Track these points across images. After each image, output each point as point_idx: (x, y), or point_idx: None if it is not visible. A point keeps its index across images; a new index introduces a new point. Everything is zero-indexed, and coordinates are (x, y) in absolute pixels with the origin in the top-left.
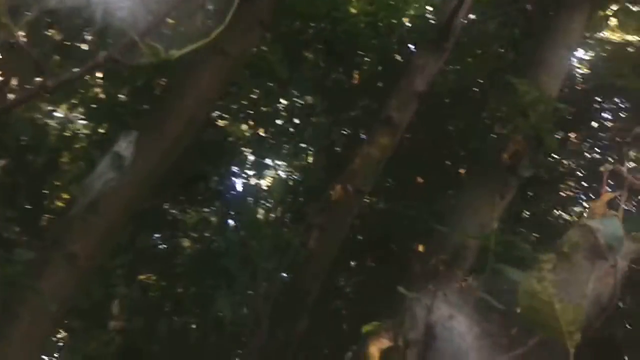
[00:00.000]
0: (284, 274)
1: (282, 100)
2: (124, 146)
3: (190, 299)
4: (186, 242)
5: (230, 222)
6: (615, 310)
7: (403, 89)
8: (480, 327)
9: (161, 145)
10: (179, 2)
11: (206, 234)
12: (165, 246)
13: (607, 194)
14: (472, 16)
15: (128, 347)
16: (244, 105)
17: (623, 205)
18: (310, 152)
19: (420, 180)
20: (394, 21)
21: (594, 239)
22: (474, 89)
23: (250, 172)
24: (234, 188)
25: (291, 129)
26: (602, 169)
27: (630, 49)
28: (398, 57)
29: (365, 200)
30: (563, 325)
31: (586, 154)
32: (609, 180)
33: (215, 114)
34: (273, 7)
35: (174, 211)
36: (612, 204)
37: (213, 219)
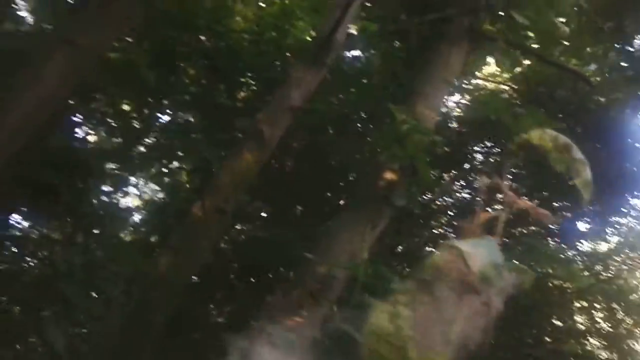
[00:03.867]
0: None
1: (158, 115)
2: None
3: (27, 326)
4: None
5: (80, 241)
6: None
7: (276, 103)
8: None
9: None
10: None
11: (47, 253)
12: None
13: (484, 213)
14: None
15: None
16: (110, 114)
17: (501, 226)
18: (185, 172)
19: (300, 209)
20: (279, 40)
21: (463, 265)
22: (357, 119)
23: (112, 189)
24: (91, 204)
25: (164, 146)
26: (479, 183)
27: (504, 95)
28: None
29: (238, 227)
30: None
31: (458, 193)
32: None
33: (77, 120)
34: (145, 7)
35: (20, 225)
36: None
37: (58, 237)
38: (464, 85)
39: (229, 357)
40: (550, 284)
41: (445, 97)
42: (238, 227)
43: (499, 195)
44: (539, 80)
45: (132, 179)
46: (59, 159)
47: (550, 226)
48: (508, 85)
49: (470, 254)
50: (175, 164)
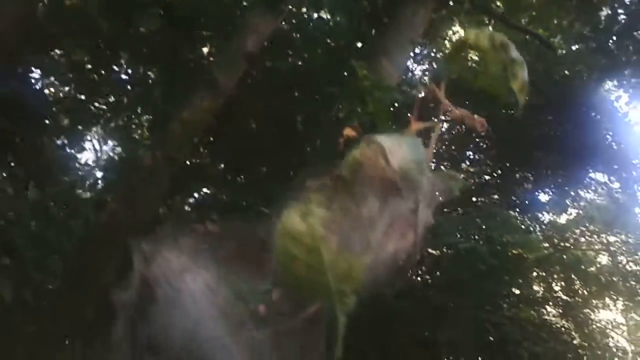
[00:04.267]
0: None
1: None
2: None
3: None
4: None
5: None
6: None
7: (231, 50)
8: (227, 289)
9: None
10: None
11: None
12: None
13: (417, 123)
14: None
15: None
16: (67, 66)
17: (435, 137)
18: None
19: (263, 170)
20: None
21: (383, 160)
22: (322, 79)
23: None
24: (45, 157)
25: (121, 100)
26: (415, 93)
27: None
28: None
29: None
30: (332, 281)
31: None
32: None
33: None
34: None
35: None
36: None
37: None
38: (430, 48)
39: (133, 261)
40: (509, 253)
41: (410, 56)
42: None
43: (435, 104)
44: None
45: (90, 134)
46: (11, 108)
47: (511, 197)
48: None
49: (392, 149)
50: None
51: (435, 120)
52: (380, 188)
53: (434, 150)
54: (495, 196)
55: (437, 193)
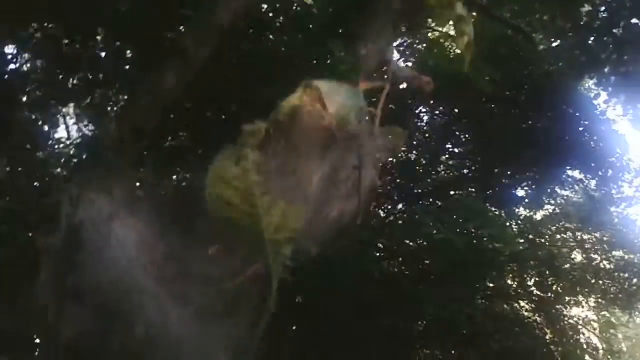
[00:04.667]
0: None
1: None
2: None
3: None
4: None
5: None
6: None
7: (202, 20)
8: (156, 234)
9: None
10: None
11: None
12: None
13: (365, 82)
14: None
15: None
16: (41, 39)
17: (383, 98)
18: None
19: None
20: None
21: (320, 106)
22: (301, 62)
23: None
24: (18, 131)
25: (96, 76)
26: (362, 52)
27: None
28: None
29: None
30: (267, 230)
31: None
32: None
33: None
34: None
35: None
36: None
37: None
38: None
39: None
40: (485, 246)
41: (391, 42)
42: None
43: (383, 67)
44: (483, 37)
45: (64, 110)
46: None
47: (489, 191)
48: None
49: (329, 94)
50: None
51: (384, 80)
52: (318, 136)
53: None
54: (473, 190)
55: (381, 151)
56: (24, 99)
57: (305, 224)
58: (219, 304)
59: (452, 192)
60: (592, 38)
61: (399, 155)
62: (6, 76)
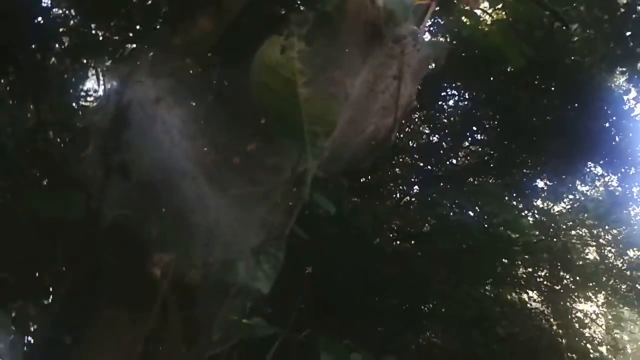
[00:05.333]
0: None
1: None
2: None
3: None
4: None
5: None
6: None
7: None
8: (199, 122)
9: None
10: None
11: None
12: None
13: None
14: None
15: None
16: None
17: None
18: None
19: None
20: None
21: (370, 2)
22: None
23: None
24: (46, 78)
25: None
26: None
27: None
28: None
29: None
30: (305, 119)
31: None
32: None
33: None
34: None
35: None
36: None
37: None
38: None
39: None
40: (499, 232)
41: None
42: None
43: None
44: (519, 18)
45: (94, 62)
46: (15, 24)
47: (508, 179)
48: (487, 13)
49: None
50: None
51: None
52: (364, 30)
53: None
54: (493, 177)
55: (422, 65)
56: (57, 46)
57: (342, 134)
58: (256, 194)
59: (471, 179)
60: (628, 32)
61: (421, 137)
62: (37, 19)
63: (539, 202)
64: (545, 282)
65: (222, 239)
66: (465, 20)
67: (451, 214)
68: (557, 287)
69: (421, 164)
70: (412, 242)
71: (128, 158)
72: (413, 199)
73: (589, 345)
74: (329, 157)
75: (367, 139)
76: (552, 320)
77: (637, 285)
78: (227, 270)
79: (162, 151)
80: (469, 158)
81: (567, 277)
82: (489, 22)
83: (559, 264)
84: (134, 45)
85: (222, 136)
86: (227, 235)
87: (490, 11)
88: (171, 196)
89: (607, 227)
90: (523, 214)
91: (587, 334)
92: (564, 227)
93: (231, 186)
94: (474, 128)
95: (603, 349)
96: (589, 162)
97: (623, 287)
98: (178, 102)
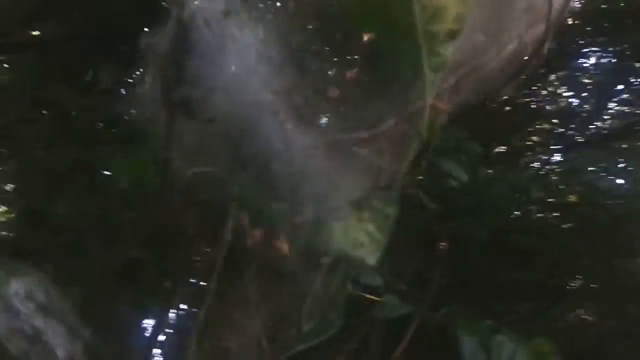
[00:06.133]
0: None
1: None
2: None
3: None
4: None
5: None
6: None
7: None
8: (281, 38)
9: None
10: None
11: None
12: None
13: None
14: None
15: None
16: None
17: None
18: None
19: None
20: None
21: None
22: None
23: None
24: None
25: None
26: None
27: None
28: None
29: None
30: (419, 18)
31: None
32: None
33: None
34: None
35: None
36: None
37: None
38: None
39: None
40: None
41: None
42: None
43: None
44: None
45: None
46: None
47: None
48: None
49: None
50: None
51: None
52: None
53: None
54: None
55: None
56: None
57: (472, 49)
58: (357, 132)
59: (618, 144)
60: None
61: (559, 100)
62: None
63: None
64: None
65: (312, 190)
66: None
67: (598, 181)
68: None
69: (561, 130)
70: (556, 213)
71: (193, 92)
72: (554, 167)
73: None
74: (456, 84)
75: (508, 59)
76: None
77: None
78: (318, 234)
79: (235, 82)
80: (614, 120)
81: None
82: None
83: None
84: None
85: (312, 59)
86: (318, 186)
87: None
88: (249, 140)
89: None
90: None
91: None
92: None
93: (324, 124)
94: (620, 87)
95: None
96: None
97: None
98: (254, 13)
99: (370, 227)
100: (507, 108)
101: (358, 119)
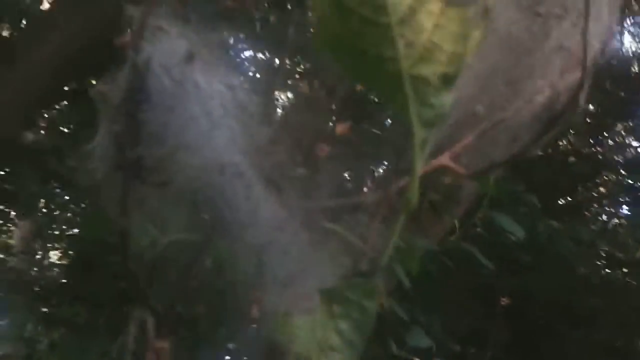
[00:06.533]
0: None
1: None
2: None
3: None
4: None
5: None
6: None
7: None
8: (250, 85)
9: None
10: None
11: None
12: None
13: None
14: None
15: None
16: None
17: None
18: None
19: None
20: None
21: None
22: None
23: None
24: None
25: None
26: None
27: None
28: None
29: None
30: (404, 56)
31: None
32: None
33: None
34: None
35: None
36: None
37: None
38: None
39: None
40: None
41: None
42: None
43: None
44: None
45: None
46: None
47: None
48: None
49: None
50: None
51: None
52: None
53: None
54: None
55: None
56: None
57: (494, 100)
58: (335, 202)
59: None
60: None
61: (627, 150)
62: None
63: None
64: None
65: (277, 272)
66: None
67: None
68: None
69: (629, 181)
70: (624, 269)
71: (146, 151)
72: (621, 221)
73: None
74: (475, 144)
75: (537, 111)
76: None
77: None
78: (280, 328)
79: (196, 138)
80: None
81: None
82: None
83: None
84: None
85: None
86: (283, 267)
87: None
88: (211, 207)
89: None
90: None
91: None
92: None
93: (299, 194)
94: None
95: None
96: None
97: None
98: (219, 57)
99: (343, 325)
100: (572, 159)
101: (337, 186)
